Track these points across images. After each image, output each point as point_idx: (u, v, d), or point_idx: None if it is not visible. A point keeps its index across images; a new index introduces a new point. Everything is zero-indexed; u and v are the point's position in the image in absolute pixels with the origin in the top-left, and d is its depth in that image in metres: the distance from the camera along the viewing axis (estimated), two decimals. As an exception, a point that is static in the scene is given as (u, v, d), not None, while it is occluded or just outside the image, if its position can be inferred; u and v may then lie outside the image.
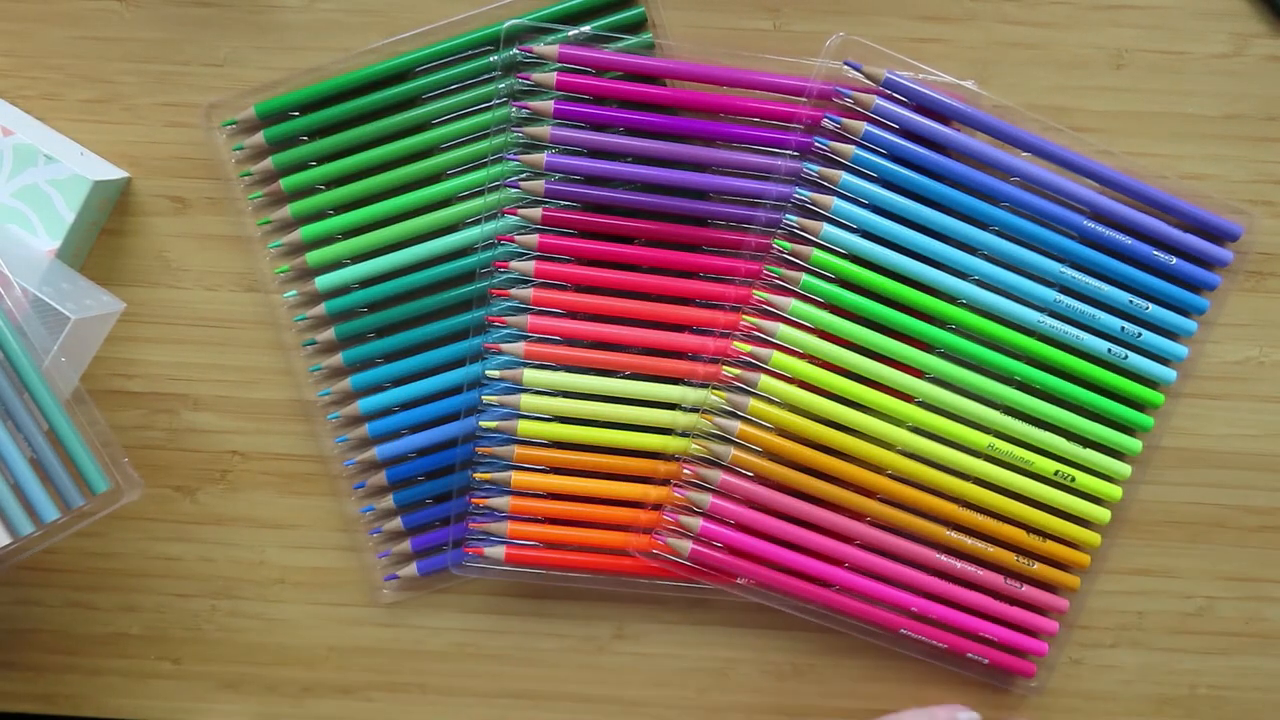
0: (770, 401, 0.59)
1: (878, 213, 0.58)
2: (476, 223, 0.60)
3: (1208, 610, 0.63)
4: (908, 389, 0.59)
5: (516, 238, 0.59)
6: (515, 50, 0.59)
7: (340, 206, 0.60)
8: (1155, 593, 0.63)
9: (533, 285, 0.59)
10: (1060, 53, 0.60)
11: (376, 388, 0.61)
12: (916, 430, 0.59)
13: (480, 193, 0.60)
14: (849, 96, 0.58)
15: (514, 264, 0.59)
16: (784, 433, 0.59)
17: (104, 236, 0.62)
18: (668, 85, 0.59)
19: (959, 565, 0.60)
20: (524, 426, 0.59)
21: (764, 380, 0.58)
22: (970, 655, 0.61)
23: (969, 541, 0.60)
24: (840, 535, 0.60)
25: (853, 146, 0.57)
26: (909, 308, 0.59)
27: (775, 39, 0.60)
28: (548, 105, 0.58)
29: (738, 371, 0.58)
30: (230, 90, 0.60)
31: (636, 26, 0.60)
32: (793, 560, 0.59)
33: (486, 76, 0.60)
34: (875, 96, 0.57)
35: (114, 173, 0.60)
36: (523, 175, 0.59)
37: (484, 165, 0.60)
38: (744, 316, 0.58)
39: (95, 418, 0.55)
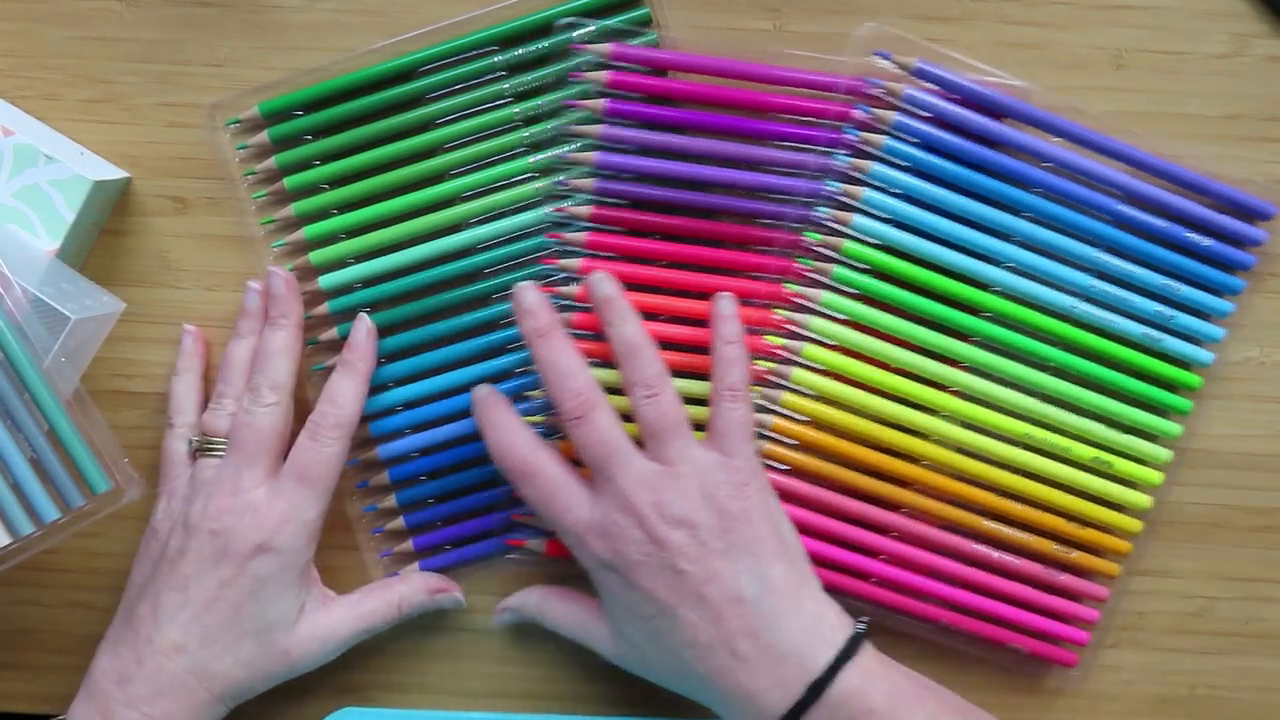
0: (804, 394, 0.59)
1: (910, 202, 0.58)
2: (481, 223, 0.60)
3: (1208, 610, 0.63)
4: (943, 378, 0.59)
5: (564, 235, 0.59)
6: (560, 37, 0.58)
7: (344, 206, 0.60)
8: (1155, 593, 0.63)
9: (578, 282, 0.59)
10: (1060, 53, 0.60)
11: (380, 387, 0.61)
12: (952, 419, 0.59)
13: (484, 192, 0.60)
14: (880, 86, 0.58)
15: (561, 262, 0.59)
16: (818, 425, 0.59)
17: (104, 236, 0.62)
18: (711, 82, 0.59)
19: (996, 555, 0.60)
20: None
21: (797, 373, 0.58)
22: (1010, 645, 0.61)
23: (1007, 530, 0.60)
24: (876, 527, 0.60)
25: (884, 136, 0.57)
26: (942, 296, 0.58)
27: (776, 38, 0.60)
28: (599, 104, 0.58)
29: (771, 365, 0.58)
30: (230, 90, 0.60)
31: (641, 26, 0.59)
32: (828, 553, 0.59)
33: (491, 77, 0.59)
34: (905, 85, 0.57)
35: (114, 173, 0.60)
36: (573, 174, 0.59)
37: (488, 165, 0.60)
38: (776, 310, 0.58)
39: (95, 418, 0.55)
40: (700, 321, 0.58)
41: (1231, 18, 0.60)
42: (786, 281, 0.59)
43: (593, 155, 0.59)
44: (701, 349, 0.58)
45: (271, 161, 0.60)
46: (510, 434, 0.56)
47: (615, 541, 0.54)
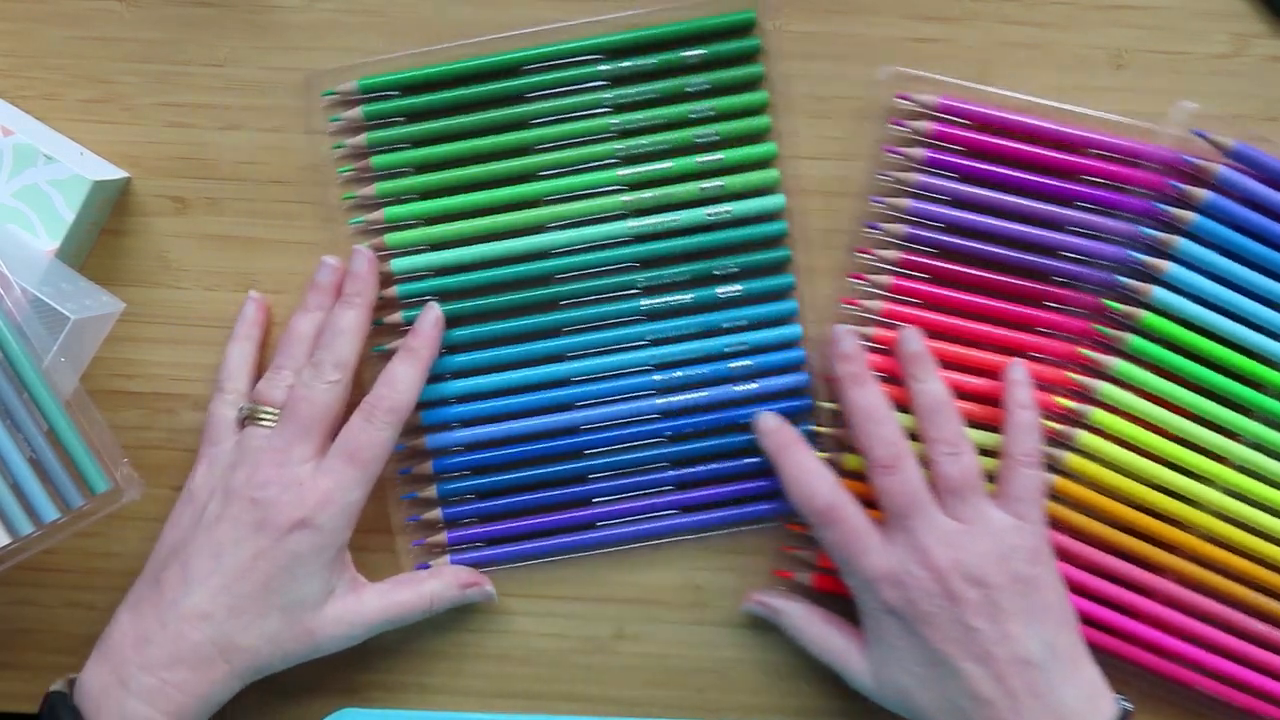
0: (1088, 457, 0.59)
1: (1211, 278, 0.58)
2: (561, 228, 0.60)
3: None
4: (1222, 449, 0.59)
5: (868, 275, 0.60)
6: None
7: (427, 193, 0.60)
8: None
9: (879, 325, 0.60)
10: (1060, 53, 0.61)
11: (438, 377, 0.60)
12: (1227, 490, 0.59)
13: (570, 198, 0.60)
14: (1193, 164, 0.58)
15: (864, 303, 0.60)
16: (1097, 486, 0.59)
17: (104, 236, 0.62)
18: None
19: (1261, 626, 0.60)
20: (851, 461, 0.60)
21: (1083, 436, 0.59)
22: (1268, 717, 0.60)
23: (1273, 603, 0.60)
24: (1141, 589, 0.60)
25: (1193, 214, 0.58)
26: (1230, 371, 0.59)
27: (777, 38, 0.60)
28: (919, 153, 0.59)
29: (1059, 426, 0.59)
30: (231, 90, 0.60)
31: (750, 54, 0.60)
32: (1094, 611, 0.59)
33: (593, 85, 0.59)
34: (1219, 164, 0.58)
35: (114, 173, 0.60)
36: (885, 218, 0.59)
37: (577, 172, 0.60)
38: (1067, 373, 0.59)
39: (95, 418, 0.55)
40: (992, 374, 0.59)
41: (1231, 18, 0.60)
42: (1081, 345, 0.59)
43: (906, 202, 0.59)
44: (990, 401, 0.59)
45: (363, 138, 0.60)
46: (814, 476, 0.58)
47: (908, 591, 0.55)
